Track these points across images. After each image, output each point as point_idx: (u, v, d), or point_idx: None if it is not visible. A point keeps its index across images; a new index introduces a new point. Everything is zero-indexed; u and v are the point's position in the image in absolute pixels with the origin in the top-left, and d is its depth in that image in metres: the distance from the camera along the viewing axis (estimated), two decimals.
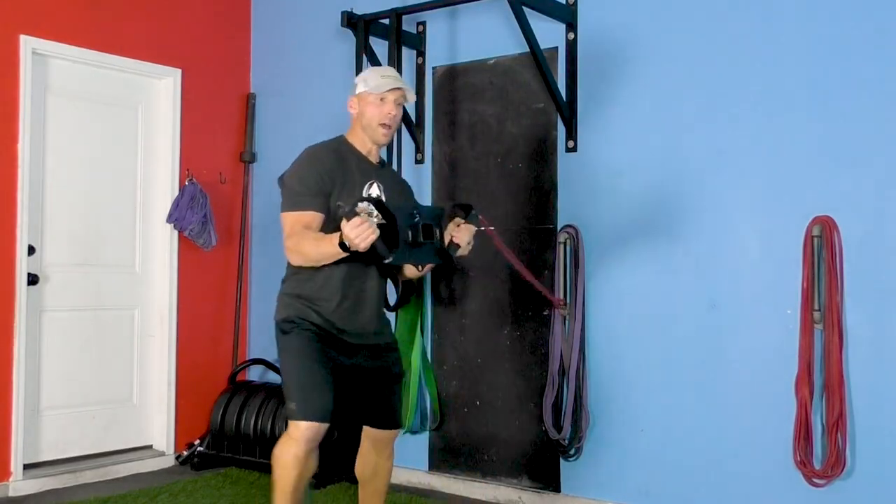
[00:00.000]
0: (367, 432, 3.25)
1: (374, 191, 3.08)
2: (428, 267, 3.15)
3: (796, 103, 3.62)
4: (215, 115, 5.27)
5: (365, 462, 3.30)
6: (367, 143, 3.14)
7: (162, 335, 5.04)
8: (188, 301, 5.06)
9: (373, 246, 2.72)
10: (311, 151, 3.10)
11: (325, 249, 2.85)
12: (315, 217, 2.97)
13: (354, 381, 3.15)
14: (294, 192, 2.99)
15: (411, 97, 3.16)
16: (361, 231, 2.67)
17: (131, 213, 4.98)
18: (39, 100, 4.52)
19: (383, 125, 3.09)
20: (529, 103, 4.31)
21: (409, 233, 2.83)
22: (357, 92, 3.13)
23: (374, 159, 3.17)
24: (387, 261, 2.82)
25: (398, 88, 3.09)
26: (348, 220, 2.68)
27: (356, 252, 2.74)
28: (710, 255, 3.81)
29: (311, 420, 2.90)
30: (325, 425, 2.94)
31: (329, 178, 2.99)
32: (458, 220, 3.05)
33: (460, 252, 3.04)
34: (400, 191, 3.25)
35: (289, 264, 3.08)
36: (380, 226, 2.73)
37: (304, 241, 2.91)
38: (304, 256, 2.94)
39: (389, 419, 3.24)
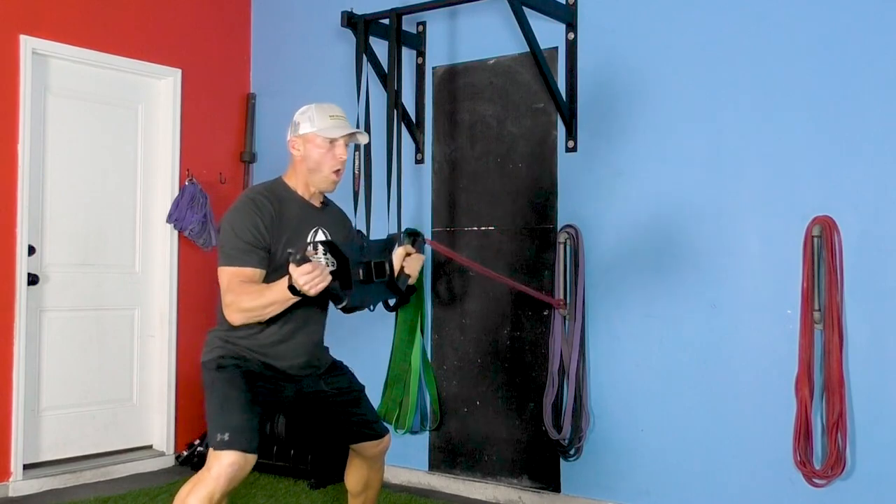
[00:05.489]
0: (359, 450, 3.12)
1: (320, 236, 2.88)
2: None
3: (796, 103, 3.62)
4: (215, 115, 5.27)
5: (357, 477, 3.20)
6: (310, 187, 2.91)
7: (162, 335, 5.04)
8: (188, 301, 5.06)
9: (326, 290, 2.58)
10: (247, 200, 2.84)
11: (271, 297, 2.65)
12: (255, 273, 2.76)
13: (322, 407, 3.04)
14: (230, 247, 2.76)
15: (363, 139, 2.95)
16: (312, 278, 2.50)
17: (131, 213, 4.98)
18: (39, 100, 4.53)
19: (336, 171, 2.89)
20: (529, 103, 4.31)
21: (361, 272, 2.72)
22: (301, 132, 2.87)
23: (316, 202, 2.96)
24: (341, 306, 2.69)
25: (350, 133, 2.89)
26: (298, 266, 2.51)
27: (305, 297, 2.59)
28: (710, 255, 3.80)
29: (240, 450, 2.65)
30: (251, 461, 2.70)
31: (267, 230, 2.78)
32: (406, 247, 2.91)
33: (410, 281, 2.90)
34: (344, 231, 3.05)
35: (220, 312, 2.87)
36: (333, 271, 2.60)
37: (244, 297, 2.69)
38: (247, 313, 2.71)
39: (372, 430, 3.10)
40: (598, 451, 4.06)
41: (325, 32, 4.97)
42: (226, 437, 2.67)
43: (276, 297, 2.64)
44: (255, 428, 2.75)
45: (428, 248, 4.57)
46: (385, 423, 4.45)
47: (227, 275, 2.76)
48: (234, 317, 2.74)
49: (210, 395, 2.84)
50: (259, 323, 2.81)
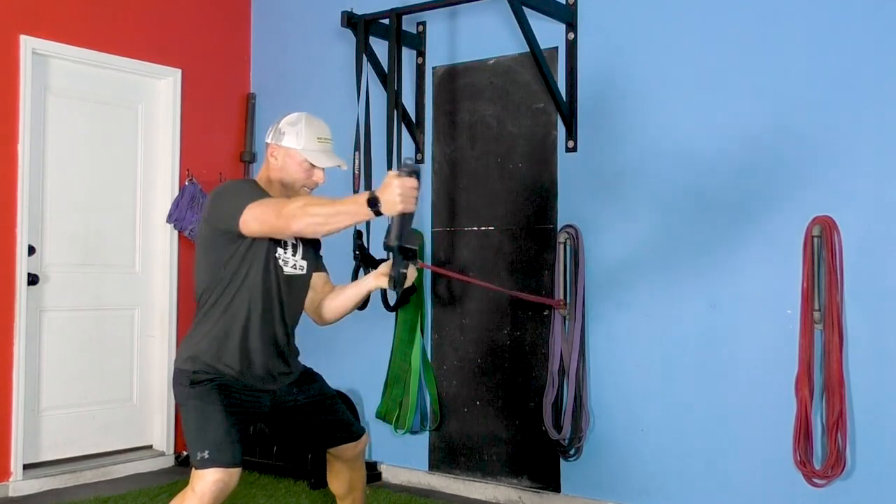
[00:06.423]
0: (337, 453, 3.08)
1: (292, 241, 2.84)
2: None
3: (796, 102, 3.62)
4: (215, 115, 5.27)
5: (339, 480, 3.16)
6: (286, 193, 2.85)
7: (162, 335, 5.04)
8: (188, 301, 5.05)
9: (390, 276, 2.68)
10: (238, 180, 2.77)
11: (342, 207, 2.47)
12: None
13: (299, 416, 2.99)
14: (246, 193, 2.68)
15: (343, 168, 2.91)
16: (413, 194, 2.37)
17: (131, 213, 4.98)
18: (39, 100, 4.52)
19: (308, 189, 2.85)
20: (529, 103, 4.31)
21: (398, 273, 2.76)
22: (284, 144, 2.80)
23: None
24: (395, 293, 2.75)
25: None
26: (408, 175, 2.34)
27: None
28: (710, 255, 3.80)
29: (222, 466, 2.61)
30: (235, 475, 2.65)
31: None
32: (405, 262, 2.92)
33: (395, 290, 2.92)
34: (315, 245, 2.99)
35: (200, 308, 2.81)
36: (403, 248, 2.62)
37: (312, 202, 2.52)
38: (312, 218, 2.49)
39: (349, 433, 3.07)
40: (598, 451, 4.06)
41: (325, 32, 4.97)
42: (206, 454, 2.62)
43: (348, 208, 2.46)
44: (236, 440, 2.70)
45: (426, 245, 4.59)
46: (385, 423, 4.50)
47: (264, 203, 2.60)
48: (298, 221, 2.50)
49: (186, 412, 2.77)
50: (227, 327, 2.76)
